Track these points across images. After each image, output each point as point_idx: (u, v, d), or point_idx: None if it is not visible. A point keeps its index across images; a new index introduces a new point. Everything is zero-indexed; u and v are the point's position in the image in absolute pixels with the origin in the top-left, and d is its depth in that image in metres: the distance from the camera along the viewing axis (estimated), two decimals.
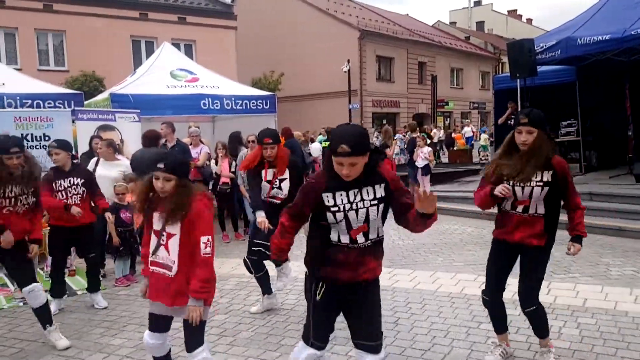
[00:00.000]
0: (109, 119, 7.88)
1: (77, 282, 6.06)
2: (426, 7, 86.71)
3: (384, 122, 29.96)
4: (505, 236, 3.39)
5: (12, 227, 4.00)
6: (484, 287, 3.57)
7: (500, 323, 3.59)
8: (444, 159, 19.96)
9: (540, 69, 10.12)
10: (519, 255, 3.41)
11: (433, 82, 26.76)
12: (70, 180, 4.84)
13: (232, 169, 8.15)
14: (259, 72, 24.51)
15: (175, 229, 2.85)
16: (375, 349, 2.66)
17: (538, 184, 3.23)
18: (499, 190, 3.23)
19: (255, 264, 4.65)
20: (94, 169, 6.39)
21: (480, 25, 56.63)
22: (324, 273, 2.64)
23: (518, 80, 10.04)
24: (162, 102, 8.86)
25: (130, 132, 8.04)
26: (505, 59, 30.91)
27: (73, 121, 7.89)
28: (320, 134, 16.76)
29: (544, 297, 4.78)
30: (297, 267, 5.95)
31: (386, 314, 4.55)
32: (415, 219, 2.56)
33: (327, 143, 11.16)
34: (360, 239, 2.59)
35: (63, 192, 4.81)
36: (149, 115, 8.83)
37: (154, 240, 2.94)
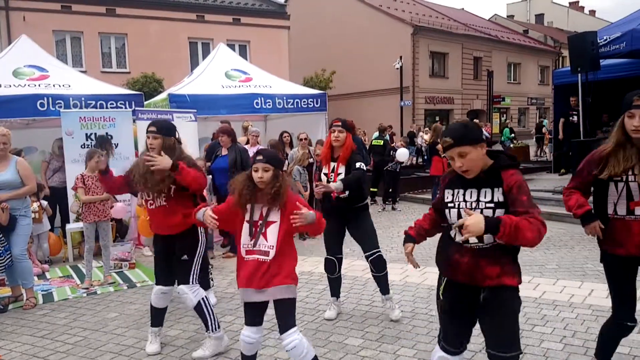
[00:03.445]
0: (167, 119, 8.16)
1: (137, 275, 6.34)
2: (483, 1, 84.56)
3: (437, 119, 29.46)
4: (633, 250, 2.90)
5: None
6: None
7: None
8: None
9: (604, 62, 9.70)
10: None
11: (489, 78, 26.09)
12: None
13: (284, 168, 8.26)
14: (311, 71, 24.68)
15: (275, 217, 3.03)
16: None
17: None
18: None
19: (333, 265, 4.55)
20: None
21: (539, 18, 54.57)
22: (445, 272, 2.62)
23: (579, 75, 9.65)
24: (217, 102, 9.10)
25: (187, 131, 8.30)
26: (566, 53, 29.76)
27: (134, 121, 8.23)
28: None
29: (603, 300, 4.61)
30: (346, 264, 5.98)
31: (436, 314, 4.50)
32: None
33: (380, 141, 11.20)
34: (473, 240, 2.44)
35: None
36: (205, 115, 9.10)
37: (248, 230, 3.06)
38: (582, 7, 57.76)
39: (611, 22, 13.23)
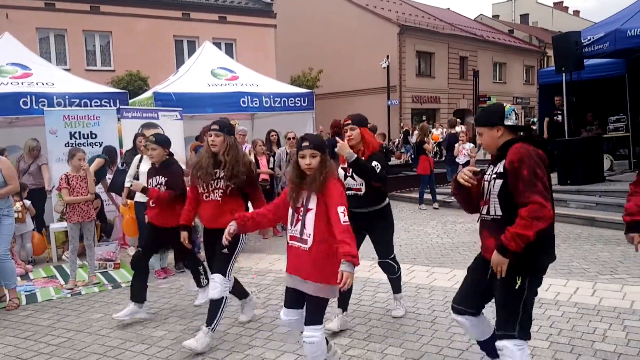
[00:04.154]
0: (153, 117, 8.09)
1: (121, 275, 6.27)
2: (468, 1, 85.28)
3: (424, 118, 29.60)
4: None
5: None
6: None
7: None
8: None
9: (588, 62, 9.80)
10: None
11: (475, 77, 26.26)
12: (157, 179, 4.71)
13: (271, 165, 8.25)
14: (297, 70, 24.64)
15: (312, 204, 2.97)
16: (499, 337, 2.66)
17: None
18: None
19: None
20: (138, 166, 6.60)
21: (524, 18, 55.06)
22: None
23: (564, 75, 9.74)
24: (203, 101, 9.03)
25: (172, 129, 8.23)
26: (550, 53, 30.09)
27: (118, 119, 8.15)
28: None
29: (588, 298, 4.67)
30: None
31: (424, 313, 4.53)
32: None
33: None
34: (483, 210, 2.77)
35: None
36: (191, 114, 9.04)
37: (290, 216, 3.05)
38: (567, 8, 58.38)
39: (595, 22, 13.39)
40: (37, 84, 8.31)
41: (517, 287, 2.58)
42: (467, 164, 10.24)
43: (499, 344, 2.63)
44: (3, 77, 8.28)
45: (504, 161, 2.61)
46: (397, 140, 23.29)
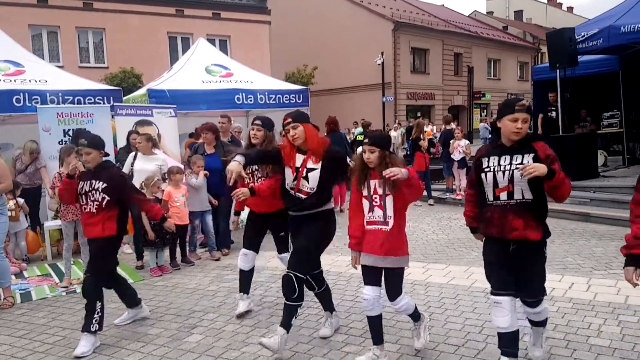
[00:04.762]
0: (147, 114, 8.06)
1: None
2: None
3: (419, 114, 29.62)
4: None
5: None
6: None
7: None
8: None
9: (582, 58, 9.83)
10: None
11: (469, 74, 26.34)
12: (92, 183, 4.13)
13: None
14: (292, 66, 24.59)
15: (389, 190, 3.35)
16: (529, 304, 3.18)
17: None
18: None
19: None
20: (132, 163, 6.57)
21: (518, 14, 55.15)
22: (483, 230, 3.21)
23: (558, 71, 9.77)
24: (197, 97, 9.00)
25: (166, 127, 8.21)
26: (544, 49, 30.17)
27: (112, 116, 8.10)
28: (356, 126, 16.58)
29: (583, 293, 4.69)
30: (330, 260, 5.98)
31: (419, 309, 4.52)
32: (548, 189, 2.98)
33: (363, 136, 11.15)
34: (503, 196, 3.04)
35: (84, 197, 4.16)
36: (185, 111, 9.00)
37: (367, 204, 3.40)
38: (560, 4, 58.51)
39: (589, 18, 13.42)
40: (30, 81, 8.25)
41: (546, 256, 3.12)
42: (462, 160, 10.26)
43: (537, 309, 3.17)
44: None
45: (531, 154, 2.97)
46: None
